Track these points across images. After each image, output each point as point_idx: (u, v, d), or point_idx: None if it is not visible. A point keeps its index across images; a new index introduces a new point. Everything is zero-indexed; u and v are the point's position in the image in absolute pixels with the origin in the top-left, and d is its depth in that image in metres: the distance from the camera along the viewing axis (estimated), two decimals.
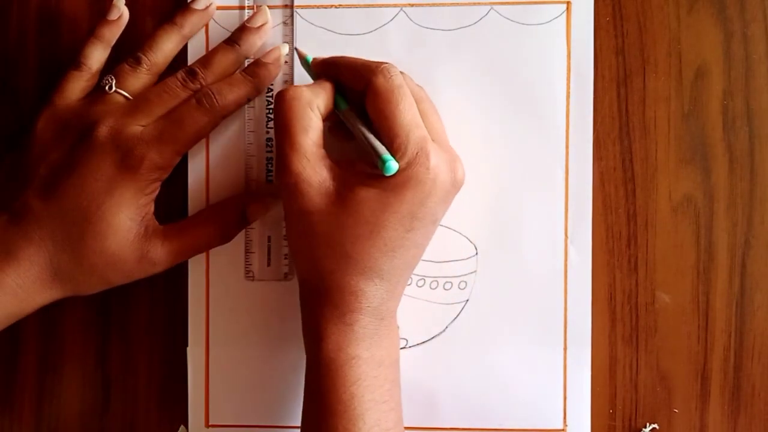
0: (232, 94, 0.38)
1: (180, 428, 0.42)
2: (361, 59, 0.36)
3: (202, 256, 0.41)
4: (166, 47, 0.40)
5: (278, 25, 0.41)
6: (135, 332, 0.42)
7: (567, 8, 0.40)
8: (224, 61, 0.39)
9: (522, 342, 0.40)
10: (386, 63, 0.35)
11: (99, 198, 0.36)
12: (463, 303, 0.41)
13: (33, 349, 0.42)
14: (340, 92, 0.37)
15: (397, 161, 0.34)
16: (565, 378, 0.41)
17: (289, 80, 0.41)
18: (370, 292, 0.35)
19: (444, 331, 0.41)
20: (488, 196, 0.41)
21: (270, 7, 0.40)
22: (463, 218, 0.41)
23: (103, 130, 0.37)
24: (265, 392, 0.42)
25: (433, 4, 0.41)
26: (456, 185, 0.36)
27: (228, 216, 0.40)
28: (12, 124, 0.42)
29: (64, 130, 0.38)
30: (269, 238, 0.41)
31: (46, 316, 0.42)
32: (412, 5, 0.41)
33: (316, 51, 0.40)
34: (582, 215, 0.40)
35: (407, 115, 0.34)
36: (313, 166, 0.35)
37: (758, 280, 0.41)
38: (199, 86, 0.38)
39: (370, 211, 0.34)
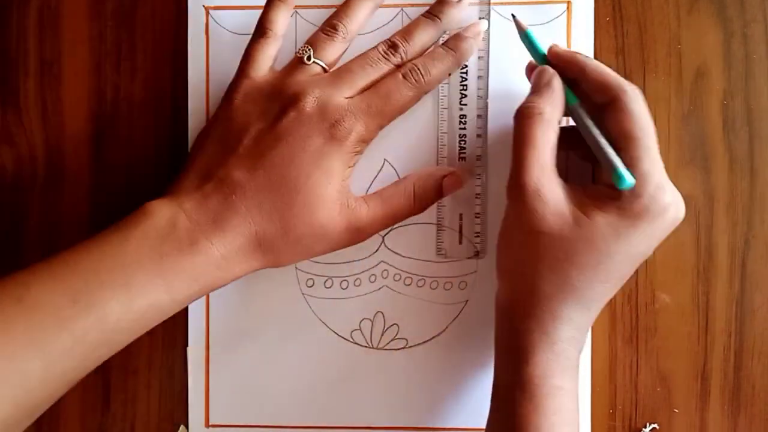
0: (436, 69, 0.38)
1: (180, 428, 0.42)
2: (609, 70, 0.35)
3: None
4: (360, 14, 0.39)
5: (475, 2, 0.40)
6: None
7: (567, 8, 0.40)
8: (425, 35, 0.39)
9: None
10: (634, 85, 0.34)
11: (307, 169, 0.36)
12: (463, 303, 0.41)
13: None
14: (569, 86, 0.36)
15: (640, 190, 0.33)
16: None
17: (484, 57, 0.40)
18: (579, 322, 0.35)
19: (444, 331, 0.41)
20: (489, 197, 0.41)
21: None
22: (463, 219, 0.41)
23: (310, 100, 0.36)
24: (265, 392, 0.42)
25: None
26: (675, 224, 0.35)
27: (425, 187, 0.39)
28: (12, 125, 0.42)
29: (266, 102, 0.37)
30: (461, 215, 0.41)
31: None
32: (412, 5, 0.41)
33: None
34: None
35: (654, 145, 0.34)
36: (551, 185, 0.34)
37: (758, 280, 0.41)
38: (400, 59, 0.38)
39: (603, 240, 0.33)
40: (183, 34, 0.42)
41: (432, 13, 0.39)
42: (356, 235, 0.38)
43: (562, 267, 0.34)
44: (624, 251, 0.34)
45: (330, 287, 0.42)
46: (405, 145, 0.41)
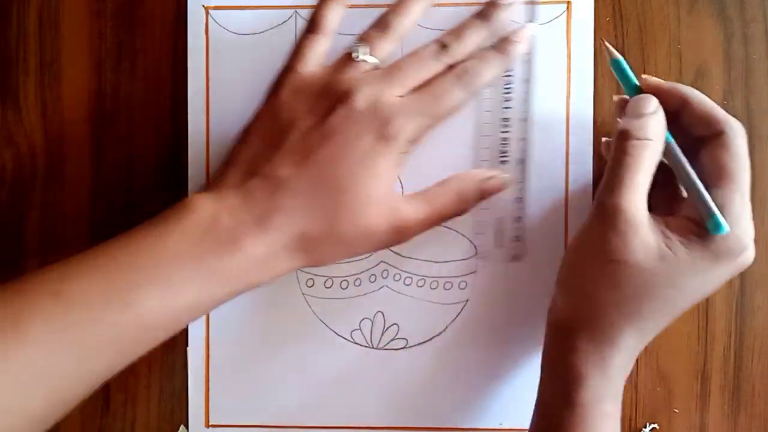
0: (487, 71, 0.37)
1: (180, 428, 0.42)
2: (714, 104, 0.35)
3: None
4: (414, 11, 0.38)
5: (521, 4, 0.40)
6: None
7: (567, 8, 0.40)
8: (475, 36, 0.38)
9: (522, 342, 0.40)
10: (739, 122, 0.34)
11: (355, 169, 0.35)
12: (463, 303, 0.41)
13: None
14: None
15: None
16: None
17: (530, 60, 0.40)
18: (634, 350, 0.34)
19: (444, 331, 0.41)
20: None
21: None
22: (463, 218, 0.41)
23: (361, 98, 0.35)
24: (265, 392, 0.42)
25: (433, 5, 0.40)
26: (745, 267, 0.34)
27: (468, 189, 0.38)
28: (12, 125, 0.42)
29: (315, 98, 0.36)
30: (500, 219, 0.40)
31: None
32: None
33: None
34: (582, 215, 0.40)
35: (747, 187, 0.33)
36: (643, 215, 0.33)
37: (758, 280, 0.41)
38: (450, 60, 0.37)
39: (682, 277, 0.33)
40: (183, 34, 0.42)
41: (483, 15, 0.39)
42: (399, 235, 0.37)
43: (638, 298, 0.33)
44: (696, 288, 0.34)
45: (330, 287, 0.42)
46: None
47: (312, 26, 0.38)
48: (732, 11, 0.40)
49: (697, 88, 0.40)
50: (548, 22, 0.40)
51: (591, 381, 0.34)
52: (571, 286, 0.36)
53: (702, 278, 0.33)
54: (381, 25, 0.38)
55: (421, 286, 0.41)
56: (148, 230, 0.34)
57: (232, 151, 0.38)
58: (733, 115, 0.40)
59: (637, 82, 0.36)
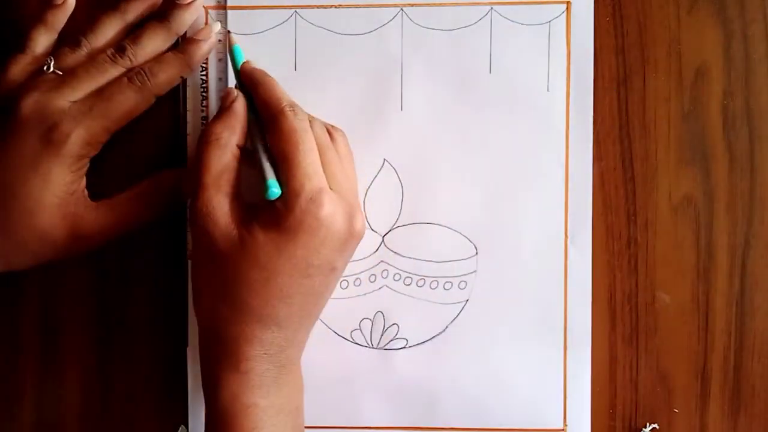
0: (163, 72, 0.38)
1: (180, 428, 0.42)
2: (276, 91, 0.36)
3: None
4: (107, 32, 0.39)
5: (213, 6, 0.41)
6: (135, 332, 0.42)
7: (567, 8, 0.40)
8: (154, 38, 0.39)
9: (522, 342, 0.40)
10: (294, 104, 0.35)
11: (24, 174, 0.36)
12: (463, 303, 0.41)
13: (33, 349, 0.42)
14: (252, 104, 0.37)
15: (291, 204, 0.33)
16: (565, 378, 0.41)
17: (223, 59, 0.41)
18: (267, 340, 0.35)
19: (444, 331, 0.41)
20: (488, 196, 0.41)
21: None
22: (463, 218, 0.41)
23: (27, 104, 0.36)
24: None
25: (433, 4, 0.41)
26: (354, 235, 0.35)
27: (161, 191, 0.39)
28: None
29: None
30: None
31: (45, 315, 0.42)
32: (412, 5, 0.41)
33: (316, 51, 0.40)
34: (582, 215, 0.40)
35: (306, 160, 0.34)
36: (222, 208, 0.34)
37: (758, 280, 0.41)
38: (129, 63, 0.38)
39: (266, 256, 0.34)
40: (183, 35, 0.42)
41: (162, 17, 0.39)
42: (83, 241, 0.38)
43: (235, 287, 0.34)
44: (291, 266, 0.34)
45: None
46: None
47: (20, 46, 0.39)
48: (732, 11, 0.40)
49: (696, 88, 0.41)
50: (548, 21, 0.40)
51: (224, 381, 0.35)
52: (194, 294, 0.37)
53: (288, 254, 0.34)
54: (73, 43, 0.39)
55: (421, 286, 0.41)
56: None
57: None
58: (733, 115, 0.40)
59: (238, 68, 0.38)
